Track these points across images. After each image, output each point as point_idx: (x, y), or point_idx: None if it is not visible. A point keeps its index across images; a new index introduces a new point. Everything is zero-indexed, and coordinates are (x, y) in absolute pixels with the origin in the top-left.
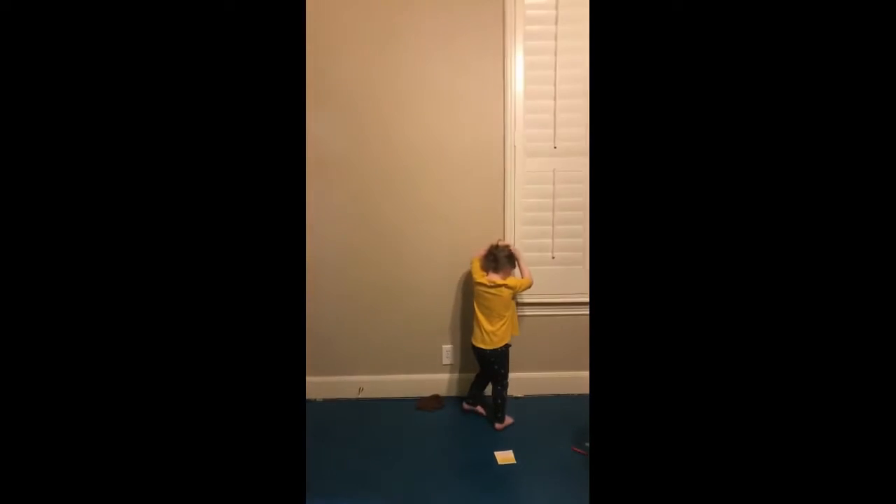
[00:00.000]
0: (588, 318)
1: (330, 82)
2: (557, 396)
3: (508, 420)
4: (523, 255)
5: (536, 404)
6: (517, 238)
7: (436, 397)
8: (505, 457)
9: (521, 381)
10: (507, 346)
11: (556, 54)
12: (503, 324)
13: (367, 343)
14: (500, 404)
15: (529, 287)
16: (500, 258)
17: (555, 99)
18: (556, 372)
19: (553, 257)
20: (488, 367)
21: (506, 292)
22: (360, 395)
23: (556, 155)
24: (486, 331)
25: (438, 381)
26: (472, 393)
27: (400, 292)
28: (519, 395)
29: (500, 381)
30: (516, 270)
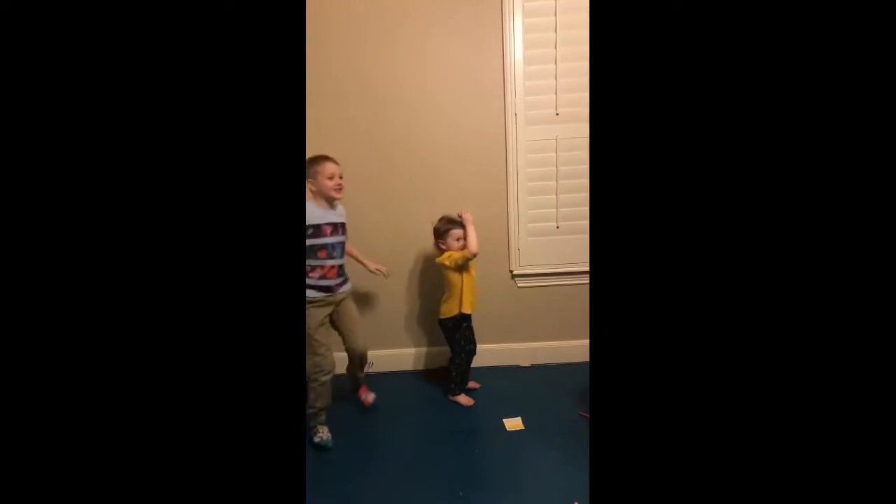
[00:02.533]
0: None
1: (323, 59)
2: (564, 365)
3: (464, 399)
4: (471, 224)
5: (543, 372)
6: (521, 209)
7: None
8: (513, 423)
9: (528, 350)
10: (448, 319)
11: (556, 14)
12: (445, 297)
13: (376, 317)
14: (452, 376)
15: (467, 258)
16: (439, 231)
17: (556, 63)
18: (562, 341)
19: (558, 227)
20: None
21: (445, 266)
22: (370, 370)
23: (558, 122)
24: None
25: (446, 353)
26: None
27: (403, 267)
28: (525, 365)
29: (453, 354)
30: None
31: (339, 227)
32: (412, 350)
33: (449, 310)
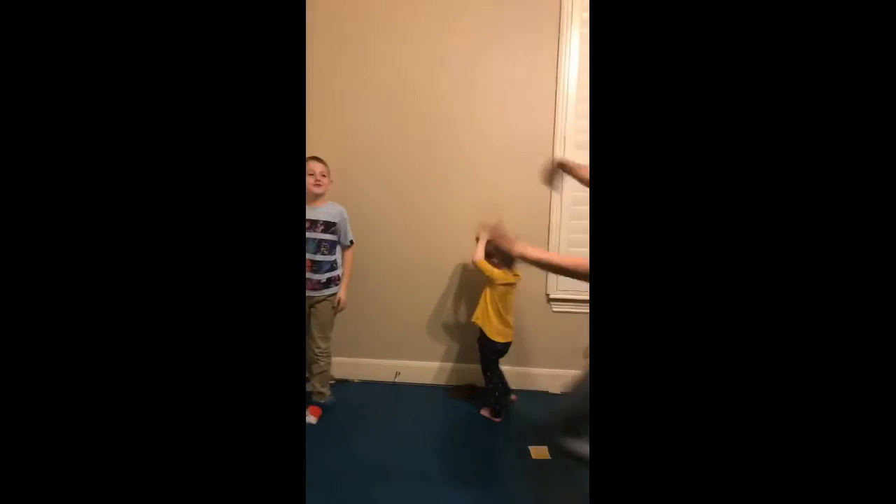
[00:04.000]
0: None
1: (377, 74)
2: None
3: (490, 414)
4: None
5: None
6: (563, 234)
7: (470, 386)
8: (539, 451)
9: (560, 377)
10: (479, 339)
11: None
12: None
13: (405, 329)
14: (496, 396)
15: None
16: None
17: None
18: None
19: None
20: None
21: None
22: (397, 379)
23: None
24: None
25: (474, 370)
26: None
27: (439, 285)
28: (555, 392)
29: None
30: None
31: (318, 224)
32: (437, 364)
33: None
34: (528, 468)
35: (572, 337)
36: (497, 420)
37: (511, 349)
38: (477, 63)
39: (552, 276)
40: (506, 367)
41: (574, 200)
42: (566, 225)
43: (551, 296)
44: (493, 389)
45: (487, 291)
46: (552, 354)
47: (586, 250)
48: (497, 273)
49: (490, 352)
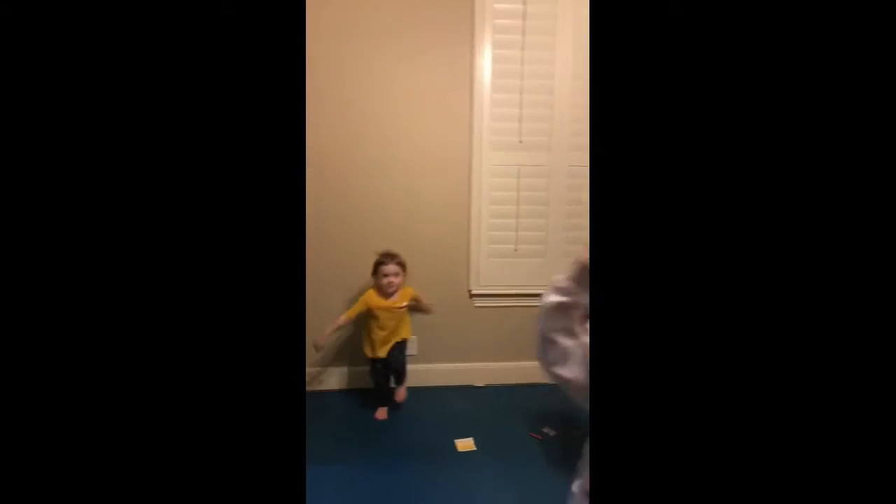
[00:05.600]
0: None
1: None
2: (519, 385)
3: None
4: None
5: (498, 393)
6: (482, 230)
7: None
8: (465, 444)
9: (484, 371)
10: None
11: (523, 49)
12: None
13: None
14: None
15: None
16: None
17: (521, 93)
18: (518, 362)
19: (516, 250)
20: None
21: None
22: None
23: (521, 149)
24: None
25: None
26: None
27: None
28: (480, 385)
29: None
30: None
31: None
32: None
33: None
34: (456, 460)
35: (495, 330)
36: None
37: (436, 344)
38: (394, 74)
39: (474, 272)
40: (432, 365)
41: (492, 200)
42: (486, 222)
43: (473, 291)
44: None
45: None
46: (477, 349)
47: (507, 258)
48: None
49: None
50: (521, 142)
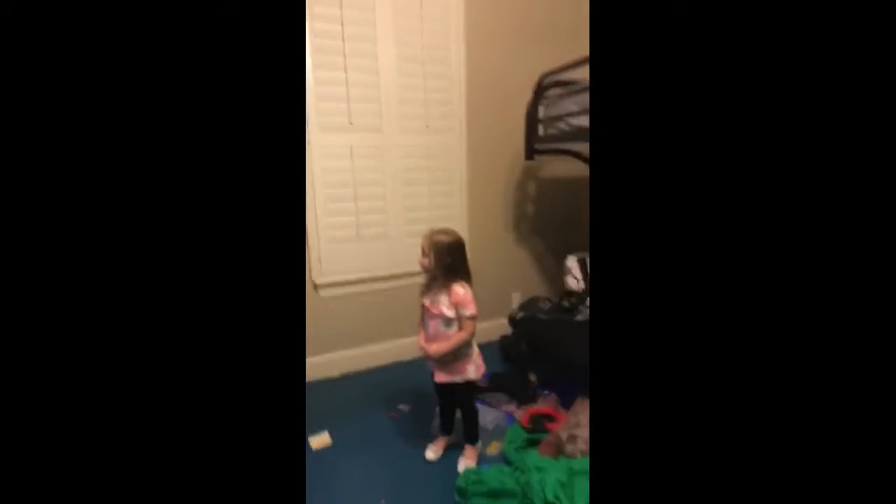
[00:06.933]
0: (392, 290)
1: None
2: (376, 368)
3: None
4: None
5: (356, 380)
6: (319, 216)
7: None
8: (320, 440)
9: (339, 360)
10: None
11: (342, 24)
12: None
13: None
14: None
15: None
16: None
17: (346, 71)
18: (372, 345)
19: (357, 234)
20: None
21: None
22: None
23: (352, 131)
24: None
25: None
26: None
27: None
28: (336, 376)
29: None
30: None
31: None
32: None
33: None
34: (311, 459)
35: (345, 318)
36: None
37: None
38: None
39: (315, 262)
40: None
41: (327, 184)
42: (323, 208)
43: (317, 282)
44: None
45: None
46: (328, 340)
47: (349, 244)
48: None
49: None
50: (351, 123)
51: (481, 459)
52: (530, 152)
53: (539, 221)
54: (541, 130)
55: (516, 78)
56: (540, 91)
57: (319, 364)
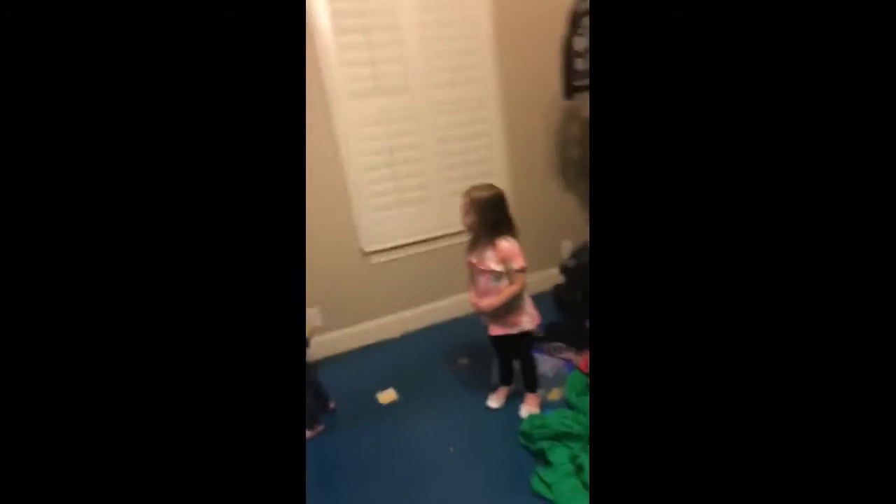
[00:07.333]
0: (441, 250)
1: None
2: (433, 326)
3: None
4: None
5: (414, 339)
6: (361, 185)
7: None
8: (387, 396)
9: (396, 322)
10: None
11: None
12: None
13: None
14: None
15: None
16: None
17: (367, 34)
18: (423, 306)
19: (399, 199)
20: None
21: None
22: None
23: (380, 94)
24: None
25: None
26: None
27: None
28: (396, 336)
29: None
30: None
31: None
32: None
33: None
34: (379, 414)
35: (398, 282)
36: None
37: (342, 308)
38: None
39: (362, 230)
40: (344, 330)
41: (362, 152)
42: (362, 177)
43: (367, 250)
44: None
45: None
46: (384, 303)
47: (392, 210)
48: None
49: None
50: (378, 87)
51: (544, 406)
52: (569, 91)
53: (586, 164)
54: (578, 65)
55: (549, 7)
56: (575, 20)
57: (380, 326)
